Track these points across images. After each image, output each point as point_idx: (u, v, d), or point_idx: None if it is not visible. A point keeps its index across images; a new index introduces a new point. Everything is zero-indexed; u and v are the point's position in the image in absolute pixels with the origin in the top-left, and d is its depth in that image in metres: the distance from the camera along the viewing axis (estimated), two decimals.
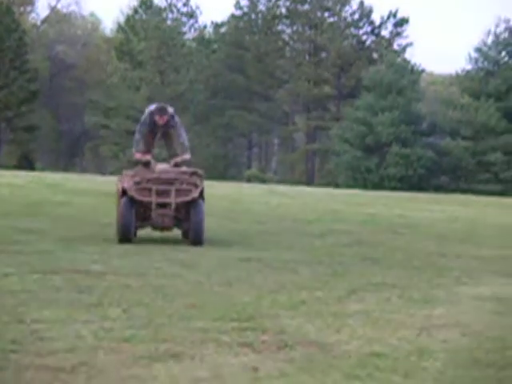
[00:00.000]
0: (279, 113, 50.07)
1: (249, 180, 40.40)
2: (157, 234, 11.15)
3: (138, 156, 10.31)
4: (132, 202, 9.81)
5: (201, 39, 50.65)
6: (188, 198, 9.87)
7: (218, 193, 19.70)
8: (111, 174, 38.70)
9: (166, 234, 10.92)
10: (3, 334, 4.97)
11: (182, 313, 5.76)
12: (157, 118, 10.19)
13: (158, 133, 10.36)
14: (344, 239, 11.84)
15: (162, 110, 10.23)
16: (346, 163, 41.23)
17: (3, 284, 6.67)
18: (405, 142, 40.80)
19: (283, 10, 49.66)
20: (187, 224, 10.03)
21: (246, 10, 49.90)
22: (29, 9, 55.67)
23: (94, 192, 18.95)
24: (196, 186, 9.90)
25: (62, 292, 6.37)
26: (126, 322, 5.37)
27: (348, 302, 6.56)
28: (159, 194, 9.87)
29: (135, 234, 10.13)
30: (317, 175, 47.91)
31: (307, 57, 49.23)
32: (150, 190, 9.83)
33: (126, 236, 9.72)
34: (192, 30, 51.10)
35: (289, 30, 50.51)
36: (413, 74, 43.14)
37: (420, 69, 44.86)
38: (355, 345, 4.88)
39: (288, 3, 49.29)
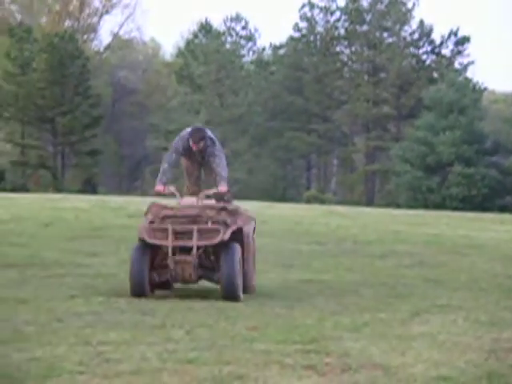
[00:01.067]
0: (338, 134, 49.93)
1: (308, 201, 40.30)
2: None
3: (157, 188, 7.73)
4: (144, 247, 7.37)
5: (259, 62, 50.99)
6: (214, 241, 7.20)
7: (277, 214, 19.72)
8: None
9: None
10: (70, 356, 5.06)
11: (244, 335, 5.77)
12: (191, 143, 7.79)
13: (194, 161, 8.07)
14: (406, 260, 11.68)
15: (197, 133, 7.85)
16: (406, 183, 40.82)
17: (69, 306, 6.80)
18: (467, 161, 40.18)
19: (341, 31, 49.65)
20: (218, 275, 7.42)
21: (304, 31, 50.05)
22: (92, 36, 57.07)
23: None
24: (226, 224, 7.28)
25: (126, 314, 6.46)
26: (190, 344, 5.40)
27: (412, 324, 6.47)
28: (177, 235, 7.29)
29: (152, 290, 7.54)
30: (377, 196, 47.50)
31: (366, 77, 49.05)
32: (165, 230, 7.30)
33: (138, 292, 7.30)
34: (251, 52, 51.53)
35: (347, 51, 50.45)
36: (475, 92, 42.50)
37: (482, 87, 44.19)
38: (421, 368, 4.81)
39: (346, 24, 49.27)
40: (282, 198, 40.66)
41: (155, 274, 7.42)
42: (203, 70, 47.53)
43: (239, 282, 7.28)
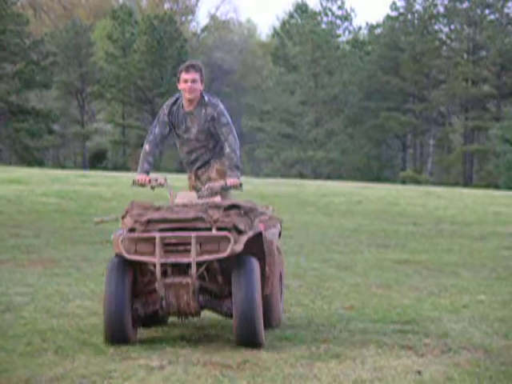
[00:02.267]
0: (435, 113, 48.80)
1: (403, 182, 39.64)
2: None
3: (139, 178, 5.39)
4: (123, 266, 4.74)
5: (355, 41, 50.31)
6: (222, 255, 4.62)
7: (372, 194, 19.47)
8: (266, 175, 39.29)
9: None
10: (172, 331, 5.15)
11: (341, 314, 5.71)
12: (182, 74, 5.39)
13: (188, 130, 5.51)
14: (506, 242, 11.31)
15: (191, 63, 5.52)
16: (506, 164, 39.57)
17: None
18: None
19: (441, 9, 48.32)
20: (229, 303, 4.80)
21: (401, 10, 49.00)
22: (190, 18, 57.73)
23: (250, 194, 19.31)
24: (238, 230, 4.69)
25: None
26: (287, 322, 5.39)
27: None
28: (168, 247, 4.69)
29: (136, 328, 4.86)
30: (475, 177, 46.25)
31: (465, 55, 47.63)
32: (151, 240, 4.67)
33: (116, 336, 4.68)
34: (346, 32, 50.90)
35: (446, 29, 49.10)
36: None
37: None
38: None
39: (446, 1, 47.92)
40: (377, 179, 40.15)
41: (139, 304, 4.78)
42: (298, 50, 47.30)
43: (259, 317, 4.57)
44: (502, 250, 10.45)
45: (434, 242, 11.05)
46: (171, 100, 5.48)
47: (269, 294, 4.95)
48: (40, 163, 39.18)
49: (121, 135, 46.20)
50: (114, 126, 47.21)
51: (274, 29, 54.09)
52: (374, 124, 47.16)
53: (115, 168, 39.10)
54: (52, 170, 27.16)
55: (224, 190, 5.29)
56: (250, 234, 4.71)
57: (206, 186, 5.28)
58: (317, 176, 42.31)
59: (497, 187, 36.76)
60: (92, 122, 47.72)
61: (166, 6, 55.57)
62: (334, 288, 6.92)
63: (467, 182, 43.63)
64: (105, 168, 38.69)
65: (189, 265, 4.63)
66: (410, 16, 49.18)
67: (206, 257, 4.60)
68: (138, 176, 5.34)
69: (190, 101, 5.39)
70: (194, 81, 5.34)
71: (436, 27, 49.27)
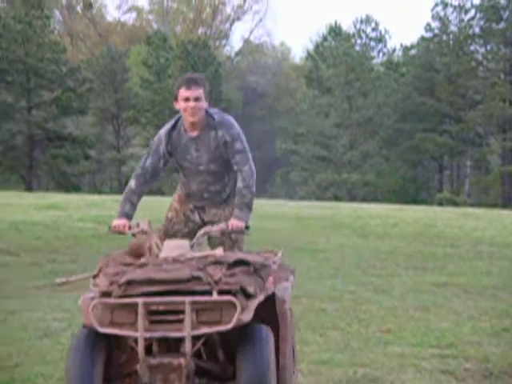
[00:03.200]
0: (472, 134, 48.38)
1: (440, 203, 39.26)
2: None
3: (116, 224, 4.28)
4: (94, 340, 3.55)
5: (389, 63, 50.25)
6: (224, 327, 3.41)
7: (408, 216, 19.30)
8: (301, 198, 39.24)
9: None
10: None
11: (378, 337, 5.64)
12: (182, 90, 4.26)
13: (191, 153, 4.42)
14: None
15: (192, 76, 4.36)
16: None
17: None
18: None
19: (476, 30, 48.07)
20: None
21: (436, 31, 48.85)
22: (223, 42, 58.32)
23: (285, 216, 19.29)
24: (246, 294, 3.50)
25: None
26: (323, 346, 5.35)
27: None
28: (154, 317, 3.45)
29: None
30: None
31: (502, 76, 47.24)
32: (132, 308, 3.45)
33: None
34: (380, 54, 50.89)
35: (482, 50, 48.78)
36: None
37: None
38: None
39: (482, 22, 47.67)
40: (413, 201, 39.85)
41: None
42: (332, 72, 47.38)
43: None
44: None
45: (473, 265, 10.89)
46: (168, 125, 4.26)
47: (282, 363, 3.69)
48: (77, 189, 39.66)
49: None
50: None
51: (308, 51, 54.32)
52: (410, 145, 46.91)
53: (151, 192, 39.39)
54: (88, 195, 27.46)
55: (223, 235, 4.21)
56: (261, 297, 3.49)
57: (202, 231, 3.99)
58: (352, 198, 42.15)
59: None
60: (127, 147, 48.24)
61: (200, 30, 56.20)
62: (371, 311, 6.85)
63: (506, 203, 43.06)
64: None
65: (181, 340, 3.40)
66: (444, 37, 49.02)
67: (205, 329, 3.35)
68: (116, 221, 4.16)
69: (194, 124, 4.19)
70: (197, 99, 4.12)
71: (472, 48, 49.00)
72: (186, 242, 3.76)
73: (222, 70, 48.52)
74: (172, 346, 3.49)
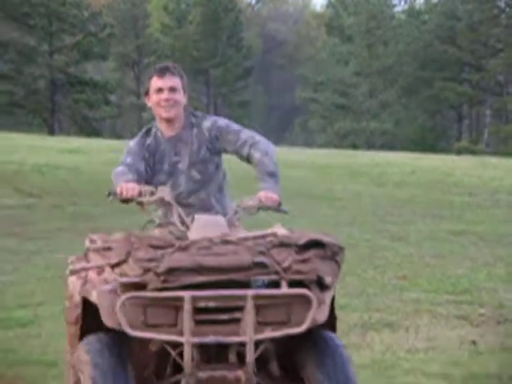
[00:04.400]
0: (492, 83, 47.68)
1: (459, 152, 38.94)
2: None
3: (124, 187, 3.18)
4: (119, 348, 2.73)
5: (411, 11, 49.35)
6: (296, 329, 2.63)
7: (426, 165, 19.18)
8: (319, 146, 39.08)
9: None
10: None
11: (393, 284, 5.65)
12: (155, 78, 3.40)
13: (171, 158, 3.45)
14: None
15: (166, 65, 3.49)
16: None
17: None
18: None
19: None
20: None
21: None
22: None
23: (303, 164, 19.24)
24: (322, 285, 2.69)
25: None
26: (340, 291, 5.36)
27: None
28: (202, 316, 2.62)
29: None
30: None
31: None
32: (175, 303, 2.61)
33: None
34: (402, 1, 50.01)
35: None
36: None
37: None
38: None
39: None
40: (432, 150, 39.58)
41: None
42: (353, 20, 46.64)
43: None
44: None
45: (490, 213, 10.83)
46: (141, 133, 3.44)
47: None
48: (98, 133, 39.74)
49: None
50: None
51: None
52: (429, 94, 46.34)
53: None
54: (109, 140, 27.52)
55: (258, 210, 3.13)
56: (333, 289, 2.73)
57: (234, 207, 3.09)
58: (370, 147, 41.92)
59: None
60: None
61: None
62: (387, 258, 6.86)
63: None
64: None
65: (242, 346, 2.64)
66: None
67: (270, 333, 2.63)
68: (122, 185, 3.15)
69: (171, 121, 3.33)
70: (172, 89, 3.31)
71: None
72: (221, 218, 2.93)
73: (242, 17, 47.91)
74: (224, 354, 2.71)
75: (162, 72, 3.34)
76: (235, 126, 3.35)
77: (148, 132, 3.41)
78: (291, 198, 11.65)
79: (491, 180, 16.22)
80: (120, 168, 3.29)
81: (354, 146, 41.61)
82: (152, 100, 3.34)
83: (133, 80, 47.12)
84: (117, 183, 3.19)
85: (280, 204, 3.11)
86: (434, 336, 4.21)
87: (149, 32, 45.85)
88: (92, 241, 2.98)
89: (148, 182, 3.25)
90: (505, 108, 48.10)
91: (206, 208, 3.30)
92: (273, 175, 3.23)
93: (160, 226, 3.32)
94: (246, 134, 3.31)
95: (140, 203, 3.12)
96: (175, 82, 3.34)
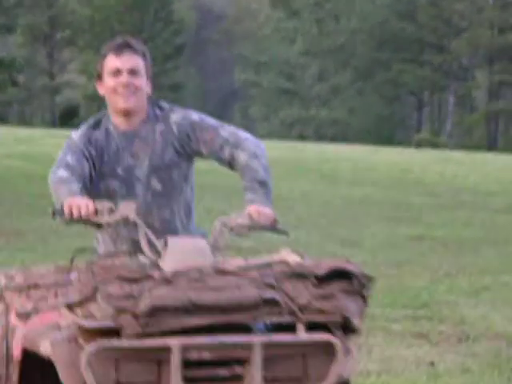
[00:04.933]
0: (456, 66, 48.68)
1: (419, 145, 39.67)
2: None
3: (71, 204, 2.71)
4: None
5: None
6: None
7: (383, 160, 19.51)
8: (261, 137, 39.26)
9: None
10: None
11: None
12: (110, 55, 3.01)
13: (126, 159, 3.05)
14: None
15: (124, 40, 3.11)
16: None
17: None
18: None
19: None
20: None
21: None
22: None
23: None
24: (349, 328, 2.39)
25: None
26: None
27: None
28: (193, 373, 2.31)
29: None
30: (500, 140, 46.29)
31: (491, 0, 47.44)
32: (156, 356, 2.30)
33: None
34: None
35: None
36: None
37: None
38: None
39: None
40: (389, 142, 40.19)
41: None
42: None
43: None
44: None
45: (453, 215, 11.11)
46: (87, 124, 3.09)
47: None
48: (3, 119, 39.07)
49: (95, 89, 45.97)
50: (87, 78, 47.01)
51: None
52: (386, 78, 47.01)
53: None
54: (17, 127, 27.11)
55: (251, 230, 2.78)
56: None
57: (219, 226, 2.67)
58: (320, 138, 42.29)
59: None
60: (62, 73, 47.44)
61: None
62: None
63: (491, 146, 43.67)
64: (77, 126, 38.54)
65: None
66: None
67: None
68: (70, 200, 2.71)
69: (129, 113, 2.98)
70: (133, 72, 2.98)
71: None
72: (203, 242, 2.59)
73: None
74: None
75: (120, 49, 2.98)
76: (212, 121, 3.02)
77: (97, 124, 3.06)
78: (227, 196, 11.72)
79: (454, 177, 16.63)
80: (60, 172, 2.86)
81: (302, 137, 41.96)
82: (106, 85, 2.98)
83: (45, 58, 46.46)
84: (60, 196, 2.76)
85: (276, 221, 2.77)
86: (388, 356, 4.33)
87: (63, 1, 45.28)
88: (9, 277, 2.64)
89: (91, 191, 2.88)
90: (469, 95, 49.16)
91: (169, 233, 2.83)
92: (263, 184, 2.90)
93: (107, 256, 2.83)
94: (227, 130, 2.98)
95: (97, 225, 2.70)
96: (137, 62, 3.00)
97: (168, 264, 2.46)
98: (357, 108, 46.21)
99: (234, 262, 2.58)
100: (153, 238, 2.61)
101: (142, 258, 2.64)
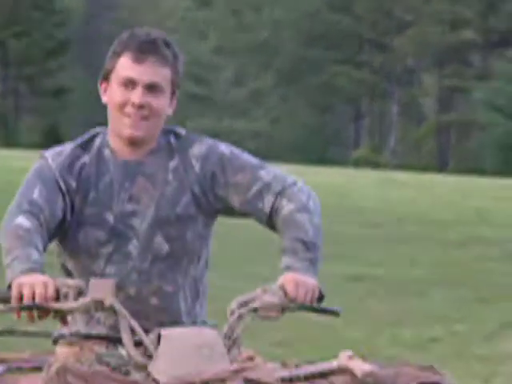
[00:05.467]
0: (400, 69, 49.58)
1: (357, 164, 40.20)
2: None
3: (18, 290, 2.28)
4: None
5: None
6: None
7: (314, 182, 19.66)
8: None
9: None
10: None
11: (268, 352, 5.83)
12: (128, 58, 2.62)
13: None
14: (494, 251, 11.67)
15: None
16: (495, 140, 40.60)
17: None
18: None
19: None
20: None
21: None
22: None
23: None
24: None
25: None
26: None
27: (500, 340, 6.51)
28: None
29: None
30: (453, 158, 47.25)
31: None
32: None
33: None
34: None
35: None
36: None
37: None
38: None
39: None
40: (320, 160, 40.62)
41: None
42: None
43: None
44: (487, 261, 10.80)
45: (396, 251, 11.31)
46: (74, 143, 2.68)
47: None
48: None
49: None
50: None
51: None
52: (317, 82, 47.49)
53: None
54: None
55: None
56: None
57: (234, 307, 2.35)
58: None
59: (482, 172, 37.68)
60: None
61: None
62: None
63: (443, 166, 44.47)
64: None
65: None
66: None
67: None
68: (22, 280, 2.30)
69: (134, 143, 2.62)
70: (153, 88, 2.58)
71: None
72: (213, 334, 2.26)
73: None
74: None
75: (143, 51, 2.58)
76: (249, 158, 2.66)
77: (89, 142, 2.67)
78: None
79: (398, 203, 16.91)
80: (19, 219, 2.45)
81: None
82: (113, 96, 2.62)
83: None
84: (10, 266, 2.34)
85: (322, 297, 2.50)
86: None
87: None
88: None
89: (64, 244, 2.57)
90: (416, 103, 50.00)
91: (169, 317, 2.55)
92: (310, 246, 2.58)
93: (75, 339, 2.44)
94: (270, 172, 2.63)
95: (58, 313, 2.27)
96: (162, 74, 2.59)
97: (162, 370, 2.12)
98: (282, 118, 46.55)
99: (268, 370, 2.23)
100: (140, 331, 2.20)
101: (123, 351, 2.26)
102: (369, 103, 50.60)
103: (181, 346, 2.14)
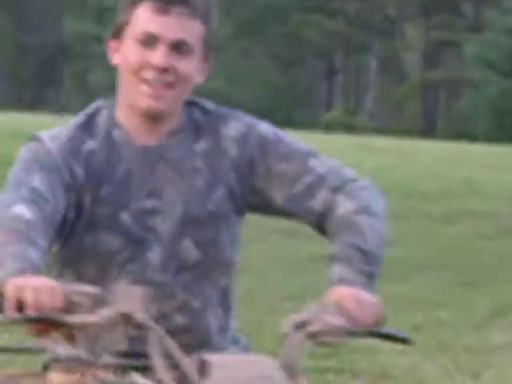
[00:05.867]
0: (379, 18, 49.66)
1: (329, 127, 40.25)
2: None
3: (13, 296, 1.99)
4: None
5: None
6: None
7: None
8: None
9: None
10: None
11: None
12: (151, 12, 2.37)
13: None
14: (484, 226, 11.77)
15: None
16: (488, 101, 40.79)
17: None
18: None
19: None
20: None
21: None
22: None
23: None
24: None
25: None
26: None
27: (490, 329, 6.57)
28: None
29: None
30: (440, 121, 47.47)
31: None
32: None
33: None
34: None
35: None
36: None
37: None
38: None
39: None
40: (287, 122, 40.62)
41: None
42: None
43: None
44: (477, 238, 10.88)
45: None
46: (73, 123, 2.45)
47: None
48: None
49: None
50: None
51: None
52: (282, 33, 47.46)
53: None
54: None
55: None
56: None
57: (290, 328, 2.15)
58: None
59: (473, 138, 37.90)
60: None
61: None
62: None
63: (428, 130, 44.67)
64: None
65: None
66: None
67: None
68: (19, 281, 2.07)
69: (155, 117, 2.42)
70: (179, 46, 2.38)
71: None
72: (270, 364, 2.07)
73: None
74: None
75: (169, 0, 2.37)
76: (296, 143, 2.49)
77: (90, 122, 2.46)
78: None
79: (375, 172, 16.95)
80: (18, 207, 2.23)
81: None
82: (127, 56, 2.40)
83: None
84: (3, 263, 2.12)
85: (384, 319, 2.30)
86: None
87: None
88: None
89: (67, 248, 2.40)
90: (397, 58, 50.09)
91: (196, 338, 2.41)
92: (369, 257, 2.39)
93: (74, 363, 2.15)
94: (324, 161, 2.48)
95: (72, 328, 2.04)
96: (192, 29, 2.40)
97: None
98: (241, 75, 46.48)
99: None
100: (180, 354, 2.01)
101: (139, 380, 2.11)
102: (343, 58, 50.63)
103: (234, 378, 1.99)
